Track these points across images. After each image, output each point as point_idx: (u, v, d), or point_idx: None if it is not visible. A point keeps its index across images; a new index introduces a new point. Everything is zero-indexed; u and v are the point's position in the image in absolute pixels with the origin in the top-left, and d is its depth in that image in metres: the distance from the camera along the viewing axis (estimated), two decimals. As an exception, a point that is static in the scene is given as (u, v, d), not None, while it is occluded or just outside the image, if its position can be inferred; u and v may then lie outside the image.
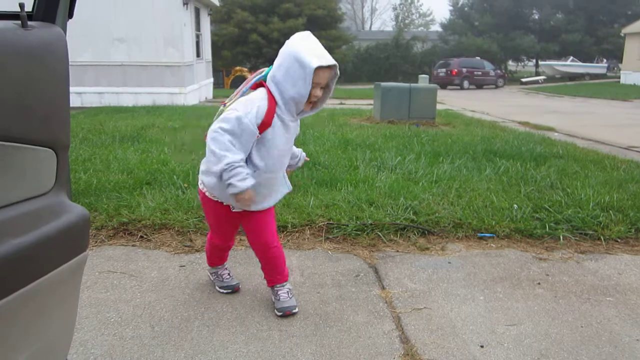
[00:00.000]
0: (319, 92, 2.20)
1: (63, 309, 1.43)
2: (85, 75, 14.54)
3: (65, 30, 1.38)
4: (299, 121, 2.38)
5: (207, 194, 2.43)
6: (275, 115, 2.21)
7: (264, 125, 2.19)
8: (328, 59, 2.14)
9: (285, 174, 2.47)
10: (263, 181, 2.32)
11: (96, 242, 3.50)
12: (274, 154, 2.30)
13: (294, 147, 2.52)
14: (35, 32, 1.25)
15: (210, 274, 2.89)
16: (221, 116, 2.20)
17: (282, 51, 2.21)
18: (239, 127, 2.14)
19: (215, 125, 2.17)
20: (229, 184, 2.15)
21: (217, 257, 2.80)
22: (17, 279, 1.18)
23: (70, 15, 1.43)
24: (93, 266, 3.10)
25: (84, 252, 1.42)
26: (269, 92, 2.22)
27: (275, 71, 2.22)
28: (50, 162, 1.34)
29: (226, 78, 28.69)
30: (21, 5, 1.21)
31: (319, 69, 2.11)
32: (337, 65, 2.18)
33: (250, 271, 3.05)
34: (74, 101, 14.26)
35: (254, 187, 2.22)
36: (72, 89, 14.23)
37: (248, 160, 2.27)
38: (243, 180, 2.14)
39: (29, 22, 1.24)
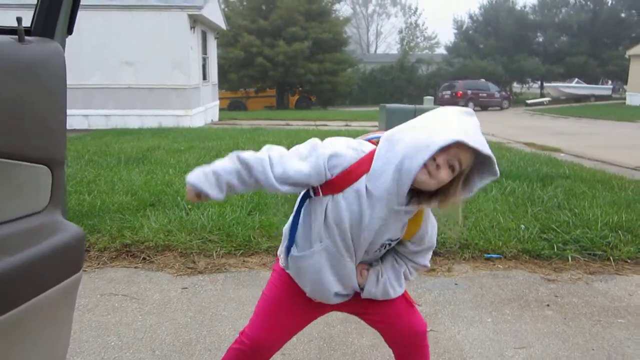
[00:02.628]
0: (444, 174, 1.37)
1: (56, 331, 1.38)
2: (93, 98, 14.66)
3: (64, 46, 1.36)
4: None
5: (281, 263, 1.63)
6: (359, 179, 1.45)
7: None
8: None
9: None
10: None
11: (99, 264, 3.47)
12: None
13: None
14: (33, 47, 1.23)
15: None
16: None
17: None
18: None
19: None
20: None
21: None
22: (7, 300, 1.14)
23: (70, 31, 1.40)
24: (95, 288, 3.07)
25: (78, 273, 1.38)
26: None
27: None
28: (45, 180, 1.30)
29: (291, 97, 30.14)
30: (18, 20, 1.19)
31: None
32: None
33: (253, 293, 3.00)
34: (81, 123, 14.37)
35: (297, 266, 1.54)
36: (79, 111, 14.43)
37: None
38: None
39: (27, 37, 1.22)
